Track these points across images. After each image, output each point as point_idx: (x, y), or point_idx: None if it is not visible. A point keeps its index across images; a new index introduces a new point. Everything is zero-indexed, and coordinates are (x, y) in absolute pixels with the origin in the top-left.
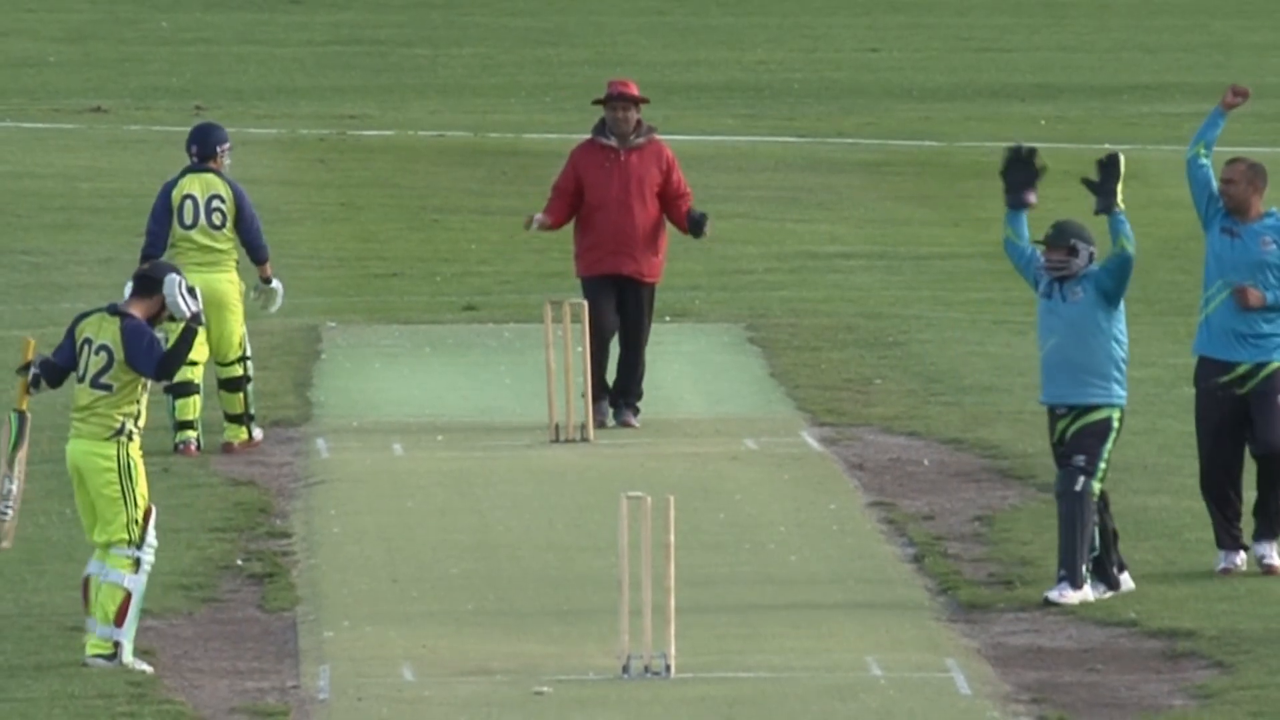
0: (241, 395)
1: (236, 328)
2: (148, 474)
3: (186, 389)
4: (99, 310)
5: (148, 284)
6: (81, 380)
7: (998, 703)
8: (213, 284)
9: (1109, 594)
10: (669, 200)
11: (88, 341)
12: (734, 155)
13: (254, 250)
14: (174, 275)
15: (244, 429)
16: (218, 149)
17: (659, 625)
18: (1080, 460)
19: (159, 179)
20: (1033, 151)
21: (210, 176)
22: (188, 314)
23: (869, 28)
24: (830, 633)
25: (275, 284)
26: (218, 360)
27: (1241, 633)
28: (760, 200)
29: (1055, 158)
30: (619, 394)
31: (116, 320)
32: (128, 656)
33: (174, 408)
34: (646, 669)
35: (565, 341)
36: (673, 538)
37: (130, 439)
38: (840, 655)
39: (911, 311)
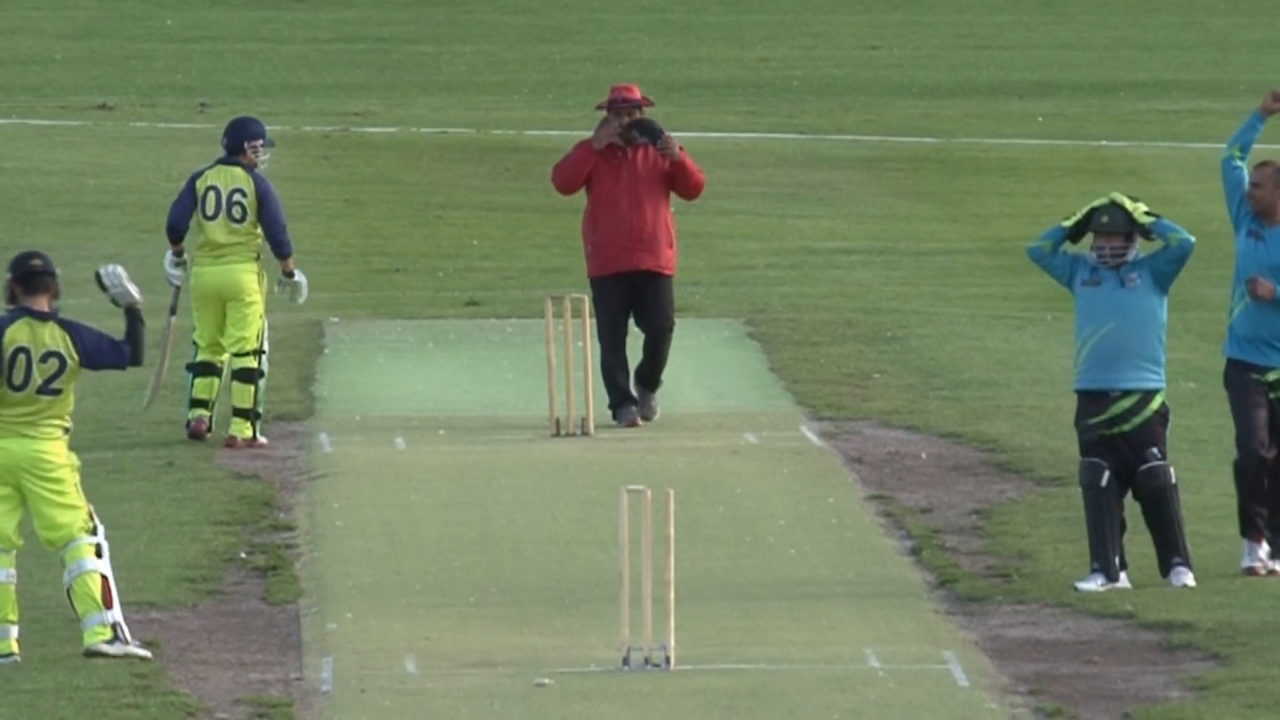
0: (252, 389)
1: (254, 319)
2: (152, 468)
3: (209, 369)
4: (18, 317)
5: (44, 278)
6: (23, 388)
7: (995, 694)
8: (228, 275)
9: (1106, 586)
10: (675, 186)
11: (23, 350)
12: (735, 152)
13: (275, 245)
14: (110, 266)
15: (249, 425)
16: (245, 144)
17: (659, 618)
18: (1157, 453)
19: (164, 175)
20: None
21: (235, 170)
22: (137, 299)
23: (869, 25)
24: (829, 625)
25: (298, 277)
26: (232, 351)
27: (1237, 625)
28: (761, 196)
29: (1053, 155)
30: (641, 384)
31: (52, 325)
32: (128, 634)
33: (193, 385)
34: (647, 661)
35: (566, 337)
36: (673, 531)
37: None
38: (839, 647)
39: (910, 306)
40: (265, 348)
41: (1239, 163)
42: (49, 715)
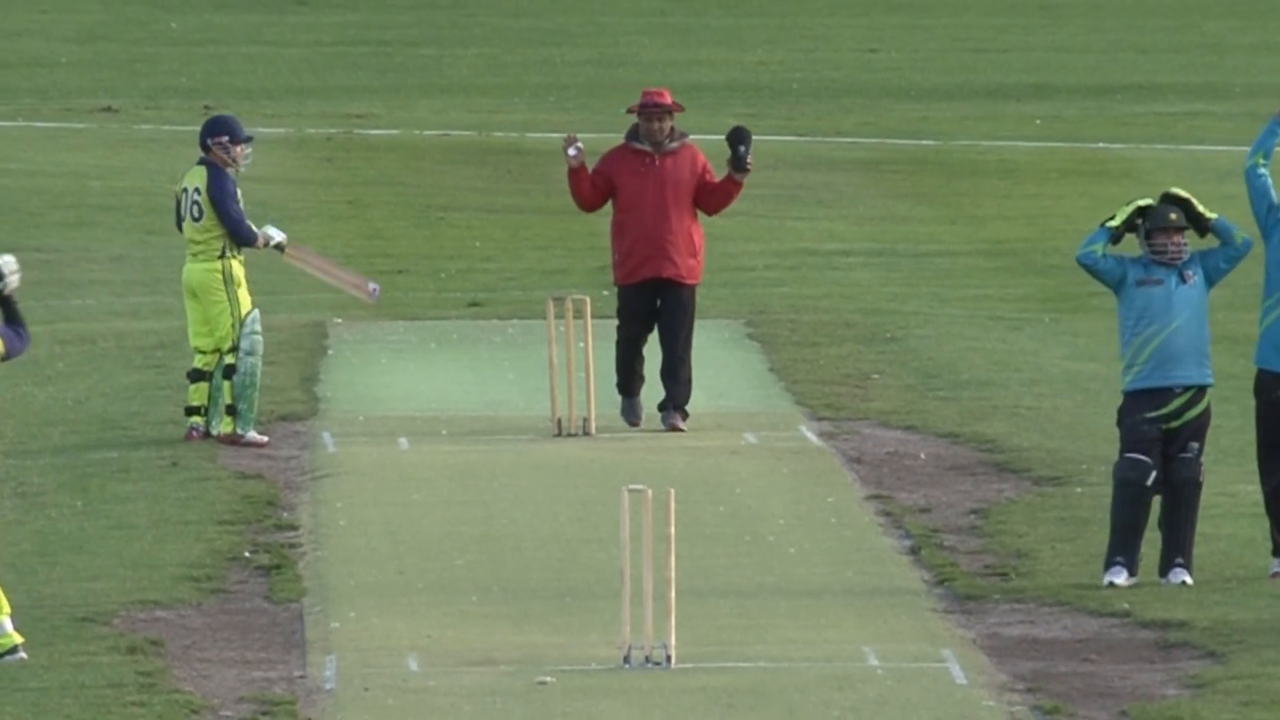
0: (227, 384)
1: (220, 315)
2: (157, 468)
3: (199, 375)
4: None
5: None
6: None
7: (993, 692)
8: (194, 273)
9: (1130, 581)
10: (705, 196)
11: None
12: None
13: (232, 238)
14: (6, 255)
15: (229, 420)
16: (210, 141)
17: (660, 616)
18: (1197, 448)
19: (168, 177)
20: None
21: (200, 169)
22: (16, 286)
23: (867, 28)
24: (828, 623)
25: (275, 237)
26: (217, 348)
27: (1233, 623)
28: (760, 198)
29: (1050, 157)
30: (667, 398)
31: None
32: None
33: (189, 392)
34: (648, 659)
35: (568, 337)
36: (673, 530)
37: None
38: (838, 646)
39: (909, 307)
40: (238, 343)
41: (1263, 170)
42: (54, 713)
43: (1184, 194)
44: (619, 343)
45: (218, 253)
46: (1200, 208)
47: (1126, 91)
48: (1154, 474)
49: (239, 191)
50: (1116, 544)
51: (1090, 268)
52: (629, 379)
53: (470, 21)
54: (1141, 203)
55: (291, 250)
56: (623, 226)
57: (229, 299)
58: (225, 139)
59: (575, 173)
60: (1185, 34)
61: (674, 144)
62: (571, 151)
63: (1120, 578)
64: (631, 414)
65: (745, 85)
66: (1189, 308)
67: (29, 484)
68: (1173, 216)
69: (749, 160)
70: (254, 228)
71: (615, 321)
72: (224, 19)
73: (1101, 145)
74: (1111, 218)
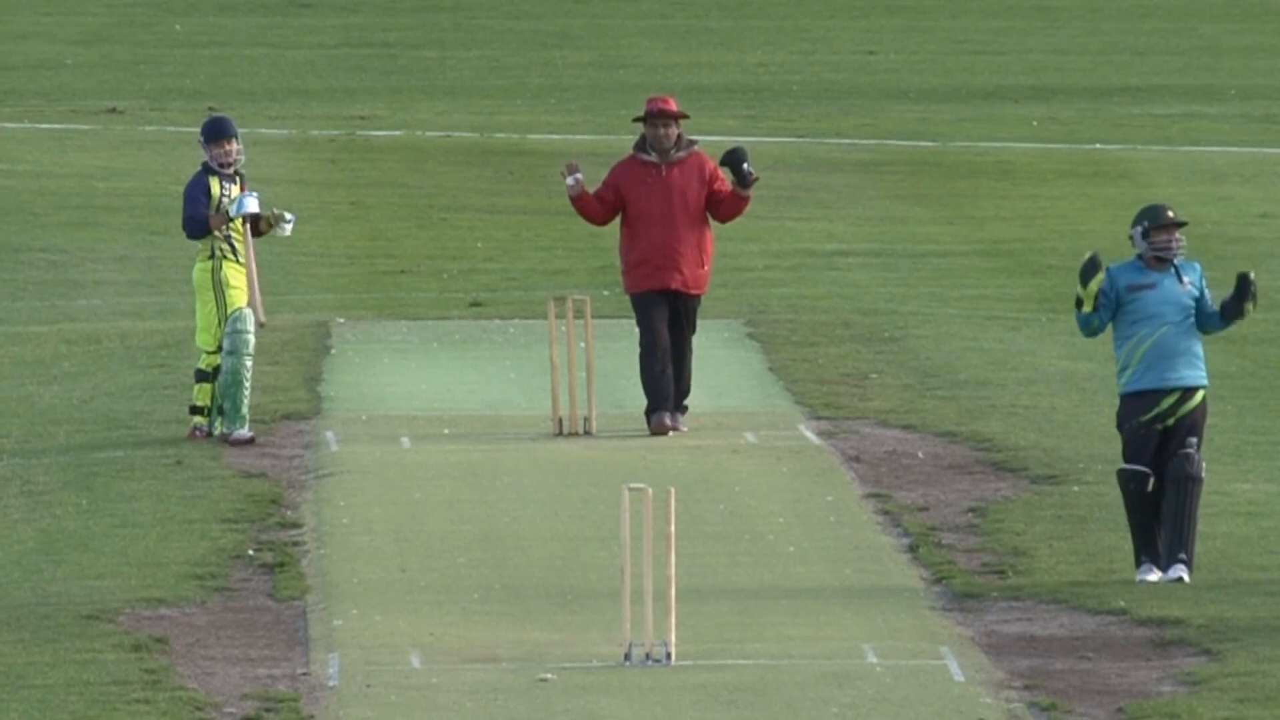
0: (210, 387)
1: (211, 315)
2: (162, 467)
3: (203, 376)
4: None
5: None
6: None
7: (991, 689)
8: (193, 273)
9: (1159, 575)
10: (715, 205)
11: None
12: None
13: (185, 232)
14: None
15: (220, 419)
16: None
17: (660, 614)
18: (1195, 442)
19: (173, 178)
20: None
21: None
22: None
23: (866, 30)
24: (827, 621)
25: (246, 202)
26: (219, 348)
27: (1229, 621)
28: (760, 199)
29: (1047, 158)
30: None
31: None
32: None
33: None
34: (648, 657)
35: (569, 337)
36: (673, 529)
37: None
38: (837, 643)
39: (907, 308)
40: (224, 344)
41: None
42: (59, 711)
43: (1249, 308)
44: (642, 358)
45: (208, 253)
46: (1251, 302)
47: (1123, 93)
48: (1151, 479)
49: (220, 186)
50: (1140, 543)
51: (1100, 332)
52: (658, 405)
53: (472, 24)
54: (1100, 276)
55: (251, 236)
56: (632, 237)
57: (216, 300)
58: (202, 139)
59: (577, 200)
60: (1181, 36)
61: (681, 153)
62: (570, 181)
63: (1152, 575)
64: (655, 422)
65: (745, 87)
66: (1180, 310)
67: (34, 483)
68: (1170, 214)
69: (752, 174)
70: (204, 213)
71: (616, 322)
72: (228, 21)
73: (1098, 146)
74: (1080, 303)
